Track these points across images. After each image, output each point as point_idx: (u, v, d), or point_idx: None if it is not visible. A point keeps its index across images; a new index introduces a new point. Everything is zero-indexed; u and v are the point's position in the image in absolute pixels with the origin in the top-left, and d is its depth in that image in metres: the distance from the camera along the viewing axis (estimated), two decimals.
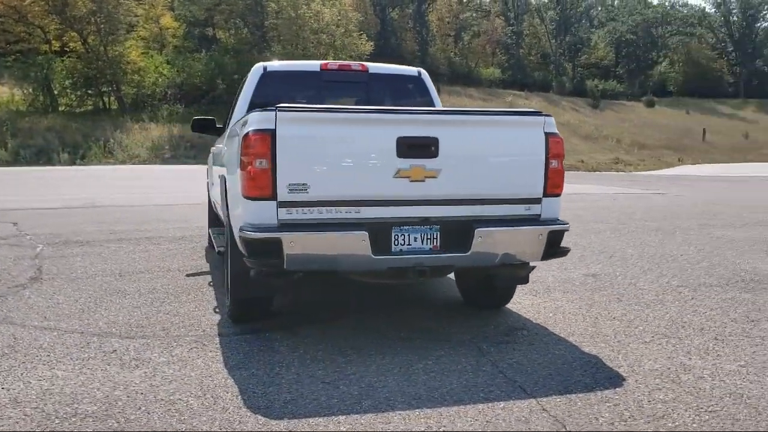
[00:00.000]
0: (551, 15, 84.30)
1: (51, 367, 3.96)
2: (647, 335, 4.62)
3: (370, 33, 57.37)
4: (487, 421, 3.18)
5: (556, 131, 4.42)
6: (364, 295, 5.86)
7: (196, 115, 7.81)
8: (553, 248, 4.41)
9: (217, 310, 5.33)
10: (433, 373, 3.83)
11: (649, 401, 3.42)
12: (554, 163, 4.39)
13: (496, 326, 4.88)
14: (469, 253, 4.20)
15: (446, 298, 5.84)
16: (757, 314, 5.15)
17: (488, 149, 4.32)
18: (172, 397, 3.49)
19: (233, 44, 48.45)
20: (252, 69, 5.96)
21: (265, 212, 4.01)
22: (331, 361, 4.04)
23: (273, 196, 3.99)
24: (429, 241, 4.24)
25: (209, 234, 8.20)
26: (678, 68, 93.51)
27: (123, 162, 33.73)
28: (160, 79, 43.41)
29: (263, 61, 6.46)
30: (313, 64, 6.03)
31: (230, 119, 6.61)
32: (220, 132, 7.46)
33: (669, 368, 3.93)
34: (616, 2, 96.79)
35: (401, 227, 4.19)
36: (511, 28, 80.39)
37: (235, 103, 6.45)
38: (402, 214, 4.18)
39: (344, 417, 3.24)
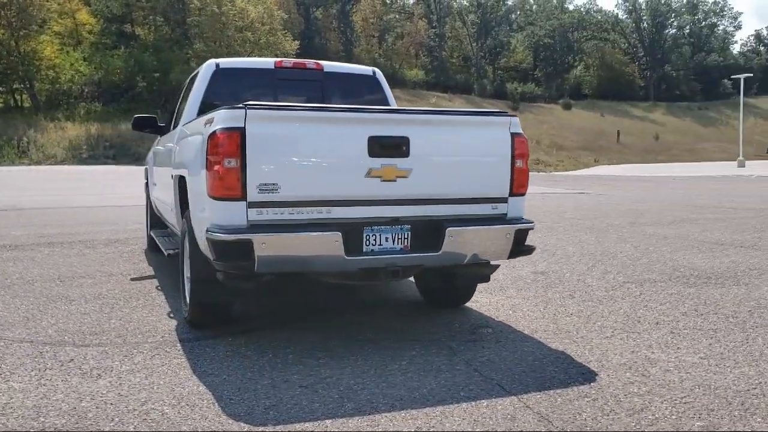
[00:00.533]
0: (472, 18, 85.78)
1: (5, 379, 3.73)
2: (607, 330, 4.73)
3: (294, 32, 56.92)
4: (474, 420, 3.18)
5: (521, 131, 4.48)
6: (325, 296, 5.79)
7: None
8: (519, 247, 4.47)
9: (171, 314, 5.15)
10: (410, 374, 3.81)
11: (625, 395, 3.50)
12: (519, 163, 4.45)
13: (461, 325, 4.91)
14: (440, 253, 4.20)
15: (405, 297, 5.83)
16: (705, 308, 5.36)
17: (457, 149, 4.33)
18: (144, 407, 3.34)
19: (153, 41, 47.13)
20: (203, 66, 5.79)
21: (234, 213, 3.89)
22: (303, 365, 3.96)
23: (243, 197, 3.87)
24: (400, 241, 4.21)
25: (149, 236, 7.96)
26: (592, 72, 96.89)
27: (38, 162, 32.35)
28: (76, 77, 41.83)
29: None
30: (267, 62, 5.91)
31: (177, 117, 6.41)
32: (161, 130, 7.24)
33: (635, 362, 4.03)
34: (534, 7, 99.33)
35: (372, 227, 4.15)
36: (433, 30, 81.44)
37: (184, 101, 6.26)
38: (373, 214, 4.14)
39: (330, 421, 3.17)
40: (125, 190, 18.14)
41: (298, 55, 45.16)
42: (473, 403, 3.39)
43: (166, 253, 5.81)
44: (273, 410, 3.30)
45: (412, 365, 3.96)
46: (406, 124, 4.22)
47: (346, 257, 4.02)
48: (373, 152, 4.06)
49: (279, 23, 46.36)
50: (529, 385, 3.64)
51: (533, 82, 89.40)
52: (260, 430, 3.08)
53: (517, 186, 4.46)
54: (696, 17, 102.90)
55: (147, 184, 8.61)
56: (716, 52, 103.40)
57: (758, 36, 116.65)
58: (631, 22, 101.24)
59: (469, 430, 3.08)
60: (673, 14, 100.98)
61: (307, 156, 4.03)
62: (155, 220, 7.70)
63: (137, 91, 41.06)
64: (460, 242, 4.24)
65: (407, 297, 5.82)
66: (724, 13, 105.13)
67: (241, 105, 3.91)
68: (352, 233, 4.06)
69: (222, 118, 3.90)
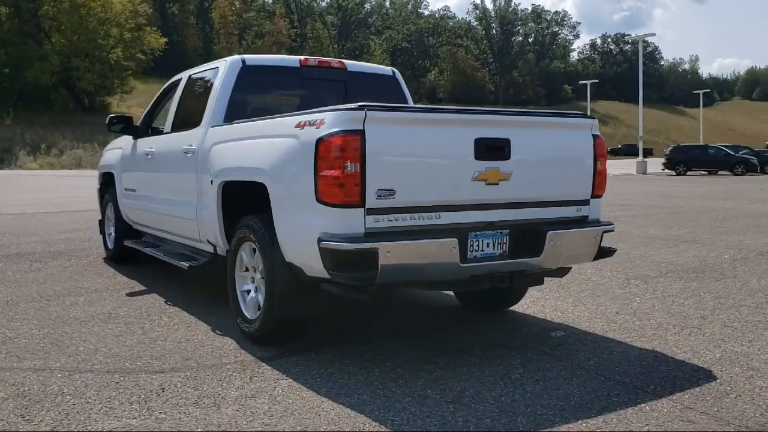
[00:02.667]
0: (332, 20, 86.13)
1: (112, 415, 3.26)
2: (669, 327, 4.88)
3: (150, 28, 54.45)
4: (658, 425, 3.16)
5: (599, 133, 4.53)
6: (352, 306, 5.53)
7: None
8: (601, 249, 4.51)
9: (218, 332, 4.73)
10: (541, 383, 3.73)
11: (760, 389, 3.62)
12: (599, 165, 4.49)
13: (528, 329, 4.89)
14: (541, 257, 4.15)
15: (435, 302, 5.72)
16: (726, 301, 5.68)
17: (550, 151, 4.29)
18: None
19: (0, 34, 43.15)
20: (224, 62, 5.37)
21: (352, 221, 3.63)
22: (424, 379, 3.76)
23: (361, 203, 3.63)
24: (499, 246, 4.12)
25: (115, 247, 7.35)
26: (446, 77, 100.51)
27: None
28: None
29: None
30: (292, 59, 5.59)
31: (176, 118, 5.93)
32: (136, 131, 6.69)
33: (730, 356, 4.19)
34: (391, 11, 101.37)
35: (476, 233, 4.02)
36: (294, 30, 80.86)
37: (191, 100, 5.80)
38: (477, 218, 4.02)
39: None
40: (11, 197, 16.56)
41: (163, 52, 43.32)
42: (636, 407, 3.37)
43: (186, 267, 5.33)
44: (452, 429, 3.11)
45: (534, 373, 3.88)
46: (507, 126, 4.14)
47: (461, 264, 3.87)
48: (479, 155, 3.94)
49: (144, 18, 44.02)
50: (665, 386, 3.67)
51: None
52: None
53: (597, 187, 4.50)
54: (540, 26, 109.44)
55: (100, 190, 7.90)
56: (558, 59, 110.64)
57: (593, 45, 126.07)
58: (482, 29, 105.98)
59: None
60: (519, 22, 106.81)
61: (420, 159, 3.84)
62: (126, 229, 7.06)
63: None
64: (559, 246, 4.21)
65: (437, 301, 5.72)
66: (565, 22, 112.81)
67: (355, 106, 3.66)
68: (461, 239, 3.92)
69: (339, 120, 3.62)
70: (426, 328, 4.95)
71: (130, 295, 5.89)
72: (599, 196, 4.55)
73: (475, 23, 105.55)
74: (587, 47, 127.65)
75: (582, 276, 6.76)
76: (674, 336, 4.66)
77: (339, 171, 3.59)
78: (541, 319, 5.17)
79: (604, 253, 4.54)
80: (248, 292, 4.55)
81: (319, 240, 3.64)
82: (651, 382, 3.73)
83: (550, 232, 4.15)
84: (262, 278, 4.32)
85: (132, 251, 7.13)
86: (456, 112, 4.08)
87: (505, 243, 4.14)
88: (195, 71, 5.97)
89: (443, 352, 4.28)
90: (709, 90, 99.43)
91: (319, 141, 3.66)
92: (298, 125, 3.90)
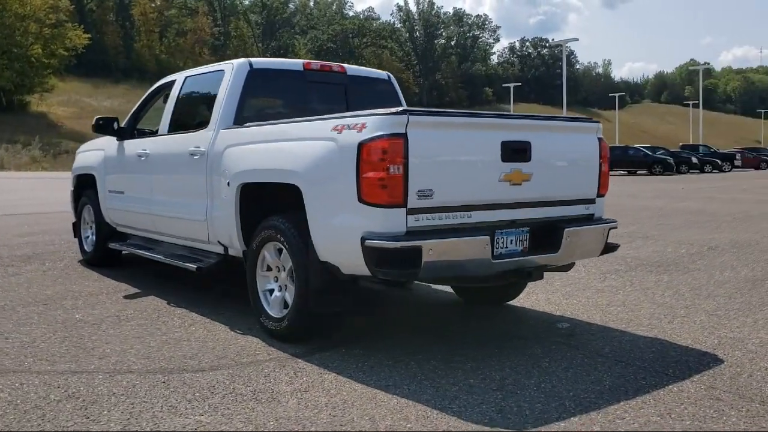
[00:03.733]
0: (256, 19, 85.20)
1: (174, 413, 3.32)
2: (661, 317, 5.24)
3: (72, 24, 52.60)
4: (692, 404, 3.44)
5: (602, 136, 4.85)
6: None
7: None
8: (607, 245, 4.83)
9: (239, 330, 4.80)
10: (571, 369, 3.98)
11: (767, 369, 3.99)
12: (603, 166, 4.81)
13: (533, 321, 5.16)
14: (558, 253, 4.42)
15: (428, 296, 5.93)
16: (700, 292, 6.12)
17: (563, 153, 4.58)
18: (380, 425, 3.18)
19: None
20: (231, 64, 5.38)
21: (395, 220, 3.80)
22: (462, 370, 3.96)
23: (404, 203, 3.80)
24: (521, 242, 4.36)
25: (94, 250, 7.24)
26: None
27: None
28: None
29: None
30: (296, 63, 5.67)
31: (173, 120, 5.92)
32: (120, 133, 6.63)
33: (727, 342, 4.56)
34: (315, 11, 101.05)
35: (502, 231, 4.26)
36: (218, 29, 79.59)
37: (191, 103, 5.82)
38: (502, 217, 4.25)
39: (576, 418, 3.27)
40: None
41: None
42: (665, 389, 3.67)
43: (194, 269, 5.33)
44: (510, 414, 3.32)
45: (560, 362, 4.13)
46: (528, 129, 4.39)
47: (492, 261, 4.10)
48: (505, 157, 4.18)
49: (65, 14, 42.44)
50: (682, 369, 3.99)
51: None
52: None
53: (602, 187, 4.81)
54: (462, 29, 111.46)
55: (74, 192, 7.74)
56: (479, 62, 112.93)
57: (512, 49, 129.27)
58: (405, 31, 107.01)
59: (701, 413, 3.36)
60: (442, 25, 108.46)
61: (454, 161, 4.05)
62: (109, 232, 6.96)
63: None
64: (574, 242, 4.50)
65: (436, 298, 5.93)
66: (485, 26, 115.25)
67: (395, 110, 3.84)
68: (490, 237, 4.14)
69: (383, 124, 3.79)
70: (438, 324, 5.16)
71: (127, 297, 5.85)
72: (603, 195, 4.86)
73: (399, 25, 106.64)
74: (507, 51, 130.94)
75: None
76: (669, 324, 5.02)
77: (383, 173, 3.75)
78: (541, 312, 5.45)
79: (609, 248, 4.86)
80: (271, 291, 4.64)
81: (363, 239, 3.79)
82: (668, 366, 4.05)
83: (567, 228, 4.43)
84: (289, 278, 4.43)
85: (113, 254, 7.06)
86: (486, 117, 4.31)
87: (526, 240, 4.39)
88: (192, 73, 5.97)
89: (466, 345, 4.49)
90: (623, 93, 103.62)
91: (362, 144, 3.80)
92: (335, 128, 4.03)
